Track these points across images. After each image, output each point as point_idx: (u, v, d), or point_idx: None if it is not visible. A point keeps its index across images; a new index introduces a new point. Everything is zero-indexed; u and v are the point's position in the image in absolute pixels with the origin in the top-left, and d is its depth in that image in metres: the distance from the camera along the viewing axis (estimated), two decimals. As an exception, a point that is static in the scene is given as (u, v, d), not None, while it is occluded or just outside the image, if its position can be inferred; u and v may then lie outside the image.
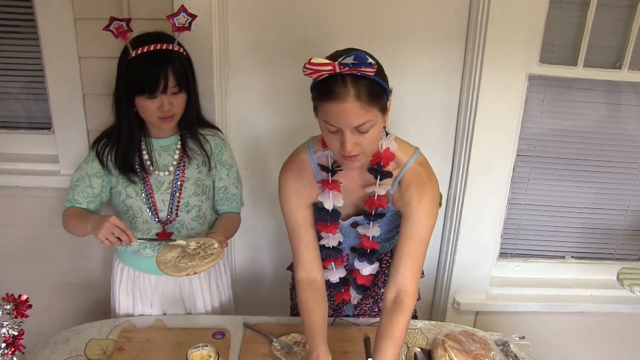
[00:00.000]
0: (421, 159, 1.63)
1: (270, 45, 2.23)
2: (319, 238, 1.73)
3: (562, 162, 2.43)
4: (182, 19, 1.77)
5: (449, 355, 1.64)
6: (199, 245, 1.74)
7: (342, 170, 1.62)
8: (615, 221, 2.55)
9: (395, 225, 1.75)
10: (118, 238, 1.66)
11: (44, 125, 2.34)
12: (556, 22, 2.19)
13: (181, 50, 1.80)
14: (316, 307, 1.65)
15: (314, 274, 1.69)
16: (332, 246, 1.73)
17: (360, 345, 1.77)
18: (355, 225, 1.72)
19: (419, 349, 1.74)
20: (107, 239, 1.66)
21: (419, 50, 2.23)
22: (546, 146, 2.40)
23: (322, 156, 1.65)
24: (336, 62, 1.35)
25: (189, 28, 1.80)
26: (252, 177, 2.40)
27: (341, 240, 1.74)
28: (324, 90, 1.40)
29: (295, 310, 2.03)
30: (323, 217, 1.68)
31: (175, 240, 1.77)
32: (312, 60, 1.35)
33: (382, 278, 1.87)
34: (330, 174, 1.64)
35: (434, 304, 2.63)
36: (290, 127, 2.34)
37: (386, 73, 1.49)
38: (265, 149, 2.39)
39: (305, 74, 1.41)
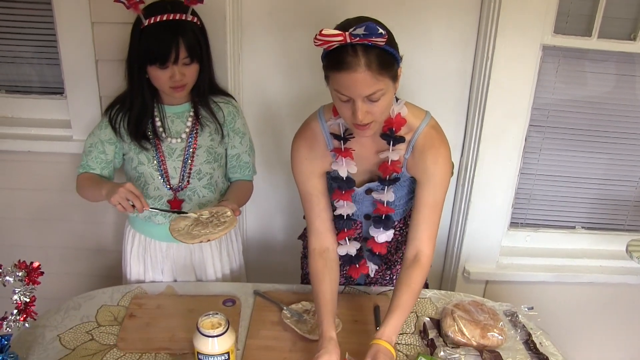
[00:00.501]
0: (432, 122, 1.63)
1: (284, 10, 2.21)
2: (334, 208, 1.74)
3: (574, 133, 2.42)
4: None
5: (457, 325, 1.65)
6: (212, 214, 1.75)
7: (354, 137, 1.62)
8: (626, 192, 2.54)
9: (409, 191, 1.75)
10: (132, 205, 1.68)
11: (57, 90, 2.34)
12: (571, -8, 2.16)
13: (195, 19, 1.78)
14: (327, 278, 1.67)
15: (326, 243, 1.72)
16: (347, 215, 1.73)
17: (370, 314, 1.79)
18: (369, 191, 1.72)
19: (428, 319, 1.75)
20: (120, 203, 1.67)
21: (435, 19, 2.21)
22: (559, 116, 2.38)
23: (333, 124, 1.65)
24: (347, 33, 1.35)
25: (201, 1, 1.77)
26: (264, 143, 2.40)
27: (355, 209, 1.74)
28: (335, 60, 1.40)
29: (305, 280, 2.06)
30: (338, 185, 1.69)
31: (187, 213, 1.76)
32: (322, 32, 1.35)
33: (394, 244, 1.88)
34: (342, 141, 1.64)
35: (444, 273, 2.65)
36: (303, 92, 2.33)
37: (401, 41, 1.48)
38: (279, 115, 2.38)
39: (316, 45, 1.40)
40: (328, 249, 1.72)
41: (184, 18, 1.74)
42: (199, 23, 1.81)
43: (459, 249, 2.49)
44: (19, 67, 2.35)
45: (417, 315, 1.80)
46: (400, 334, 1.73)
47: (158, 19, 1.71)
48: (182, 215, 1.76)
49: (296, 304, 1.81)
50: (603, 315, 2.64)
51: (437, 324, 1.73)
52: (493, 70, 2.15)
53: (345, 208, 1.72)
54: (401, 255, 1.93)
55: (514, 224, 2.58)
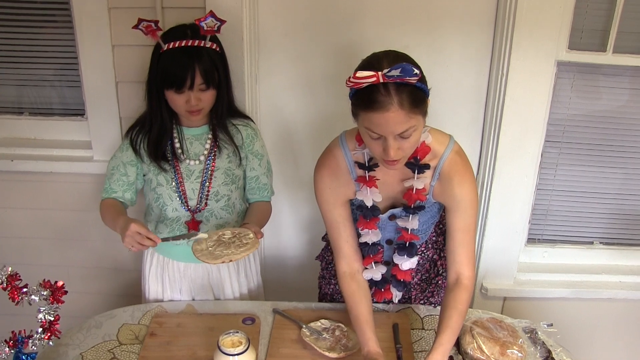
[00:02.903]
0: (456, 147, 1.63)
1: (300, 30, 2.24)
2: (358, 235, 1.74)
3: (590, 148, 2.41)
4: (210, 22, 1.77)
5: (476, 343, 1.65)
6: (234, 234, 1.76)
7: (378, 166, 1.62)
8: (645, 207, 2.53)
9: (431, 216, 1.75)
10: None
11: (78, 111, 2.39)
12: (585, 8, 2.16)
13: (214, 46, 1.81)
14: (362, 299, 1.69)
15: (356, 266, 1.74)
16: (372, 242, 1.73)
17: (389, 331, 1.79)
18: (393, 217, 1.72)
19: (447, 336, 1.75)
20: (132, 246, 1.69)
21: (449, 36, 2.22)
22: (575, 132, 2.38)
23: (358, 154, 1.64)
24: (380, 73, 1.34)
25: (218, 31, 1.79)
26: (282, 164, 2.42)
27: (380, 237, 1.74)
28: (367, 99, 1.39)
29: (323, 299, 2.07)
30: (363, 214, 1.69)
31: (197, 235, 1.77)
32: (357, 74, 1.35)
33: (415, 267, 1.86)
34: (367, 171, 1.64)
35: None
36: (321, 112, 2.35)
37: (416, 59, 1.48)
38: (296, 135, 2.40)
39: (348, 86, 1.41)
40: (358, 271, 1.74)
41: (202, 44, 1.77)
42: (217, 49, 1.83)
43: (476, 265, 2.49)
44: (42, 89, 2.40)
45: (435, 332, 1.80)
46: (419, 351, 1.73)
47: (177, 45, 1.74)
48: (193, 238, 1.76)
49: (315, 321, 1.81)
50: (624, 331, 2.61)
51: (456, 341, 1.73)
52: (508, 87, 2.15)
53: (371, 235, 1.71)
54: (422, 277, 1.94)
55: (531, 240, 2.57)
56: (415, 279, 1.92)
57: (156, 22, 1.76)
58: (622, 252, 2.57)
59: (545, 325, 1.78)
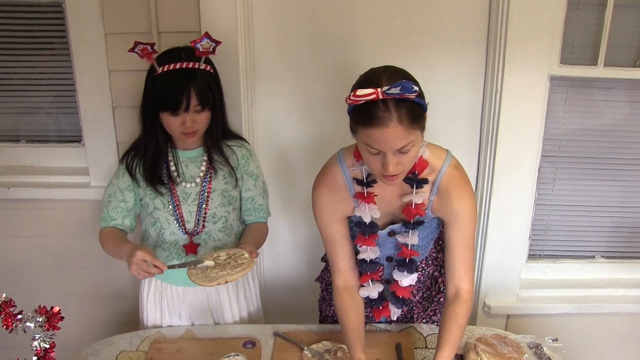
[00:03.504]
0: (454, 162, 1.64)
1: (296, 53, 2.25)
2: (357, 252, 1.73)
3: (587, 162, 2.41)
4: (206, 44, 1.78)
5: (481, 359, 1.63)
6: (229, 255, 1.75)
7: (376, 182, 1.62)
8: (645, 219, 2.52)
9: (430, 231, 1.74)
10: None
11: (75, 138, 2.39)
12: (575, 23, 2.19)
13: (208, 67, 1.82)
14: (352, 308, 1.69)
15: (351, 281, 1.74)
16: (371, 259, 1.72)
17: (392, 351, 1.77)
18: (392, 234, 1.71)
19: (451, 354, 1.73)
20: (139, 274, 1.68)
21: (443, 54, 2.24)
22: (571, 146, 2.39)
23: (356, 170, 1.64)
24: (379, 90, 1.35)
25: (213, 52, 1.80)
26: (279, 186, 2.42)
27: (378, 254, 1.73)
28: (366, 115, 1.39)
29: (324, 322, 2.05)
30: (362, 230, 1.68)
31: (203, 262, 1.75)
32: (357, 93, 1.36)
33: (416, 285, 1.86)
34: (365, 187, 1.64)
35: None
36: (317, 135, 2.36)
37: (412, 76, 1.49)
38: (293, 158, 2.40)
39: (347, 104, 1.42)
40: (352, 285, 1.74)
41: (197, 66, 1.77)
42: (212, 71, 1.84)
43: (478, 283, 2.47)
44: (38, 117, 2.41)
45: (436, 347, 1.78)
46: (423, 370, 1.71)
47: (171, 67, 1.75)
48: (199, 265, 1.74)
49: (317, 343, 1.80)
50: (629, 345, 2.58)
51: (461, 359, 1.71)
52: (503, 102, 2.17)
53: (369, 252, 1.70)
54: (423, 295, 1.93)
55: (532, 256, 2.56)
56: (417, 297, 1.91)
57: (152, 45, 1.76)
58: (624, 265, 2.56)
59: (550, 340, 1.76)
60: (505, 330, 2.29)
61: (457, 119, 2.33)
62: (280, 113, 2.34)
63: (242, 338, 1.85)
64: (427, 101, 1.47)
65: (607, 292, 2.51)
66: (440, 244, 1.86)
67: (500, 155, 2.25)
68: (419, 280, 1.86)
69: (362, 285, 1.75)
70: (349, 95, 1.38)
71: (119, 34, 2.11)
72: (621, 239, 2.56)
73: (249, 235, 1.99)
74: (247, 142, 2.04)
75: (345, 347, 1.75)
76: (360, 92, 1.36)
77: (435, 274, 1.89)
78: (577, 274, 2.57)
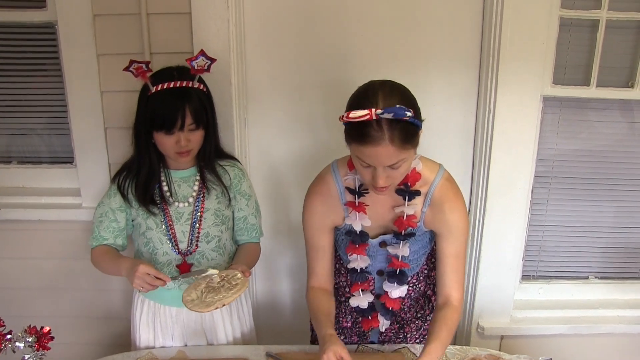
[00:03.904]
0: (446, 174, 1.68)
1: (289, 73, 2.26)
2: (347, 262, 1.76)
3: (581, 182, 2.42)
4: (201, 62, 1.80)
5: (475, 380, 1.62)
6: (222, 278, 1.75)
7: (369, 192, 1.65)
8: (638, 239, 2.52)
9: (422, 245, 1.76)
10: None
11: (66, 159, 2.38)
12: (567, 45, 2.21)
13: (201, 86, 1.82)
14: (326, 300, 1.75)
15: (324, 285, 1.79)
16: (360, 268, 1.74)
17: (385, 372, 1.76)
18: (383, 244, 1.73)
19: (445, 375, 1.72)
20: (142, 287, 1.70)
21: (436, 74, 2.25)
22: (564, 166, 2.39)
23: (349, 179, 1.68)
24: (373, 111, 1.38)
25: (208, 70, 1.82)
26: (272, 207, 2.41)
27: (369, 263, 1.75)
28: (359, 133, 1.43)
29: (315, 342, 2.03)
30: (353, 239, 1.70)
31: (207, 272, 1.77)
32: (350, 115, 1.40)
33: (407, 302, 1.87)
34: (357, 196, 1.66)
35: (457, 329, 2.59)
36: (310, 155, 2.35)
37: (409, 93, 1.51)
38: (286, 178, 2.40)
39: (341, 122, 1.45)
40: (325, 289, 1.79)
41: (190, 85, 1.78)
42: (205, 90, 1.84)
43: (471, 304, 2.46)
44: (30, 138, 2.40)
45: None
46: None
47: (165, 86, 1.75)
48: (202, 275, 1.76)
49: (310, 364, 1.78)
50: (624, 366, 2.57)
51: (454, 379, 1.70)
52: (496, 123, 2.18)
53: (359, 261, 1.73)
54: (415, 313, 1.92)
55: (525, 277, 2.55)
56: (409, 315, 1.91)
57: (147, 63, 1.77)
58: (618, 285, 2.55)
59: (544, 361, 1.75)
60: (499, 351, 2.28)
61: (450, 140, 2.34)
62: (273, 133, 2.34)
63: (235, 359, 1.83)
64: (423, 118, 1.50)
65: (601, 312, 2.50)
66: (432, 262, 1.87)
67: (493, 176, 2.25)
68: (410, 297, 1.86)
69: (352, 295, 1.78)
70: (343, 115, 1.41)
71: (112, 54, 2.12)
72: (615, 259, 2.55)
73: (241, 256, 1.99)
74: (239, 162, 2.05)
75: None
76: (353, 114, 1.39)
77: (428, 292, 1.89)
78: (571, 294, 2.56)
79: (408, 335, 1.93)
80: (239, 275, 1.74)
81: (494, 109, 2.17)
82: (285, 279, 2.57)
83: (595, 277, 2.57)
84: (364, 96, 1.46)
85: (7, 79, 2.31)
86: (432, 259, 1.86)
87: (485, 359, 1.71)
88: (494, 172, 2.25)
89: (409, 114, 1.37)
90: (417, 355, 1.81)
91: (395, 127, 1.39)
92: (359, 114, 1.38)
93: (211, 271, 1.76)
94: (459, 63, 2.24)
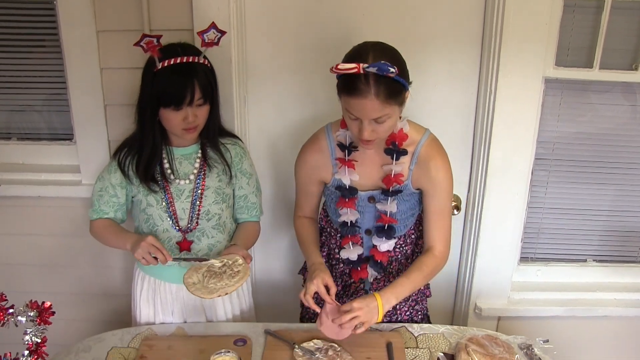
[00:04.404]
0: (432, 136, 1.81)
1: (288, 52, 2.25)
2: (338, 215, 1.88)
3: (580, 165, 2.42)
4: (211, 35, 1.80)
5: (472, 359, 1.63)
6: (223, 263, 1.76)
7: (359, 151, 1.78)
8: (637, 223, 2.52)
9: (411, 206, 1.86)
10: (155, 257, 1.74)
11: (66, 136, 2.38)
12: (570, 26, 2.19)
13: (206, 62, 1.82)
14: (311, 229, 1.97)
15: (310, 215, 2.00)
16: (350, 222, 1.85)
17: (383, 351, 1.76)
18: (372, 200, 1.84)
19: (442, 354, 1.73)
20: (143, 257, 1.74)
21: (437, 54, 2.23)
22: (564, 149, 2.39)
23: (341, 135, 1.81)
24: (360, 65, 1.49)
25: (217, 43, 1.82)
26: (271, 184, 2.41)
27: (358, 218, 1.86)
28: (348, 85, 1.56)
29: (304, 319, 2.11)
30: (342, 194, 1.83)
31: (208, 260, 1.79)
32: (339, 66, 1.53)
33: (395, 265, 1.95)
34: (347, 152, 1.79)
35: (455, 310, 2.61)
36: (309, 134, 2.33)
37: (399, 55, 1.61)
38: (285, 156, 2.39)
39: (332, 73, 1.56)
40: (311, 217, 2.00)
41: (196, 60, 1.77)
42: (209, 65, 1.84)
43: (469, 285, 2.47)
44: (29, 115, 2.39)
45: (430, 350, 1.78)
46: (414, 369, 1.71)
47: (172, 62, 1.74)
48: (202, 263, 1.78)
49: (307, 342, 1.79)
50: (620, 349, 2.59)
51: (452, 359, 1.71)
52: (497, 104, 2.16)
53: (349, 215, 1.85)
54: None
55: (524, 259, 2.56)
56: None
57: (158, 38, 1.75)
58: (615, 269, 2.56)
59: (542, 342, 1.77)
60: (496, 332, 2.29)
61: (451, 121, 2.33)
62: (272, 111, 2.33)
63: (233, 336, 1.84)
64: (410, 80, 1.64)
65: (598, 295, 2.51)
66: (420, 230, 1.94)
67: (493, 158, 2.24)
68: (397, 260, 1.93)
69: (343, 248, 1.90)
70: (333, 67, 1.53)
71: (111, 31, 2.10)
72: (613, 243, 2.56)
73: (240, 236, 2.00)
74: (240, 140, 2.05)
75: (336, 345, 1.75)
76: (342, 66, 1.52)
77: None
78: (569, 277, 2.57)
79: (397, 306, 1.98)
80: (240, 261, 1.77)
81: (495, 90, 2.16)
82: (285, 257, 2.57)
83: (593, 260, 2.58)
84: (356, 52, 1.59)
85: (6, 55, 2.29)
86: (420, 226, 1.95)
87: (483, 340, 1.71)
88: (493, 154, 2.24)
89: (392, 69, 1.48)
90: (415, 335, 1.85)
91: (381, 83, 1.52)
92: (347, 66, 1.51)
93: (213, 260, 1.79)
94: (461, 43, 2.22)
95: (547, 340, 1.77)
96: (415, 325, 1.91)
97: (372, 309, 1.65)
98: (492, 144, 2.23)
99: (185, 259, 1.87)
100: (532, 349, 1.74)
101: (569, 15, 2.16)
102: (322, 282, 1.72)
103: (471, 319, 2.50)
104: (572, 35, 2.20)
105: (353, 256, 1.89)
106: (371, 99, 1.53)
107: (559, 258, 2.58)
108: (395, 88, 1.55)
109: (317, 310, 1.73)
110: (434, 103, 2.28)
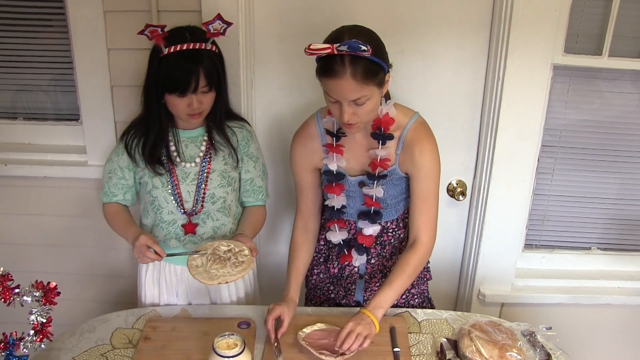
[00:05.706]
0: (420, 119, 1.80)
1: (296, 35, 2.23)
2: (325, 200, 1.91)
3: (587, 153, 2.40)
4: (217, 25, 1.78)
5: (475, 346, 1.64)
6: (229, 248, 1.77)
7: (346, 136, 1.79)
8: (642, 212, 2.52)
9: (401, 191, 1.86)
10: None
11: (72, 116, 2.38)
12: (580, 13, 2.16)
13: (213, 47, 1.80)
14: (304, 250, 1.94)
15: (309, 223, 1.96)
16: (336, 207, 1.87)
17: (386, 335, 1.77)
18: (362, 184, 1.85)
19: (445, 339, 1.74)
20: (138, 257, 1.76)
21: (445, 41, 2.21)
22: (571, 137, 2.37)
23: (328, 122, 1.82)
24: (334, 46, 1.51)
25: (223, 33, 1.80)
26: (277, 167, 2.40)
27: (345, 204, 1.88)
28: (325, 67, 1.58)
29: (309, 302, 2.13)
30: (329, 179, 1.84)
31: (205, 252, 1.78)
32: (311, 47, 1.53)
33: (389, 249, 1.94)
34: (334, 138, 1.80)
35: (458, 296, 2.62)
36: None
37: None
38: (291, 139, 2.38)
39: (307, 55, 1.55)
40: (311, 227, 1.96)
41: (203, 47, 1.76)
42: (217, 51, 1.82)
43: (473, 271, 2.47)
44: (36, 95, 2.39)
45: (433, 335, 1.79)
46: (417, 355, 1.71)
47: (178, 48, 1.72)
48: (200, 254, 1.77)
49: (311, 325, 1.79)
50: (623, 337, 2.60)
51: (455, 344, 1.72)
52: (504, 91, 2.15)
53: (335, 200, 1.87)
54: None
55: (528, 246, 2.56)
56: (390, 263, 1.95)
57: (162, 27, 1.74)
58: (620, 257, 2.56)
59: (545, 329, 1.77)
60: (499, 318, 2.30)
61: (458, 107, 2.32)
62: (279, 94, 2.32)
63: (237, 318, 1.86)
64: (390, 62, 1.65)
65: (602, 283, 2.51)
66: None
67: (500, 144, 2.23)
68: (390, 244, 1.93)
69: (330, 229, 1.92)
70: (306, 48, 1.53)
71: (118, 11, 2.08)
72: (618, 231, 2.55)
73: (247, 222, 2.00)
74: (248, 123, 2.04)
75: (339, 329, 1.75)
76: (314, 46, 1.53)
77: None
78: (573, 264, 2.57)
79: (402, 297, 1.98)
80: (247, 252, 1.77)
81: (503, 76, 2.14)
82: (289, 240, 2.56)
83: (598, 248, 2.57)
84: (333, 35, 1.61)
85: (13, 34, 2.28)
86: None
87: (486, 326, 1.72)
88: (500, 140, 2.23)
89: (364, 48, 1.47)
90: (418, 320, 1.85)
91: (357, 63, 1.53)
92: (319, 46, 1.52)
93: (219, 242, 1.80)
94: (469, 28, 2.20)
95: (550, 328, 1.77)
96: (419, 310, 1.92)
97: (367, 322, 1.65)
98: (499, 130, 2.21)
99: (179, 254, 1.85)
100: (535, 335, 1.75)
101: (579, 2, 2.13)
102: (279, 314, 1.74)
103: (475, 305, 2.50)
104: (581, 22, 2.17)
105: (336, 239, 1.91)
106: (347, 80, 1.54)
107: (563, 245, 2.58)
108: (371, 68, 1.56)
109: (272, 336, 1.72)
110: (441, 89, 2.27)
